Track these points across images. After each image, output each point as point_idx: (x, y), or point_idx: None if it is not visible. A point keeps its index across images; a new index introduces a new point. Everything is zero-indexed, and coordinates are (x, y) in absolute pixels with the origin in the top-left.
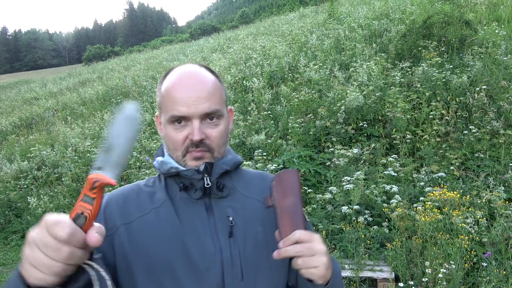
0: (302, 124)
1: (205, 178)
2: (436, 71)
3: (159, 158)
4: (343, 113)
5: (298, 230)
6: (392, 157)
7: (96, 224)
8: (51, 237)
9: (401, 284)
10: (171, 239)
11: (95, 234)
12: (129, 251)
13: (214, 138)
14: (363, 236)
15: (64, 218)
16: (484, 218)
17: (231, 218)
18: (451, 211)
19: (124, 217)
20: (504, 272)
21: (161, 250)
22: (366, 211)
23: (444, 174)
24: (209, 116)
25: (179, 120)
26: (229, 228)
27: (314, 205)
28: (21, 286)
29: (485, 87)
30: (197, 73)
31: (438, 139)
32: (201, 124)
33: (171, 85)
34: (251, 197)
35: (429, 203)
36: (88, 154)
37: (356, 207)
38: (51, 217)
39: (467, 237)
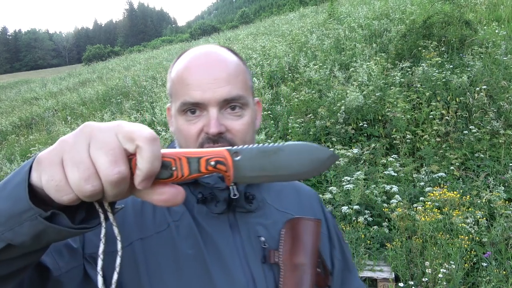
0: (302, 124)
1: (231, 188)
2: (436, 71)
3: None
4: (343, 113)
5: None
6: (392, 157)
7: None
8: (120, 144)
9: (401, 284)
10: (193, 265)
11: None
12: (143, 272)
13: (237, 132)
14: (363, 236)
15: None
16: (484, 218)
17: (263, 239)
18: (451, 211)
19: (141, 229)
20: (504, 272)
21: (181, 279)
22: (366, 211)
23: (444, 174)
24: (230, 105)
25: (192, 109)
26: (262, 251)
27: None
28: (23, 186)
29: (485, 87)
30: (215, 53)
31: (438, 139)
32: (220, 114)
33: (183, 66)
34: (284, 211)
35: (429, 203)
36: None
37: (356, 207)
38: (134, 126)
39: (467, 237)
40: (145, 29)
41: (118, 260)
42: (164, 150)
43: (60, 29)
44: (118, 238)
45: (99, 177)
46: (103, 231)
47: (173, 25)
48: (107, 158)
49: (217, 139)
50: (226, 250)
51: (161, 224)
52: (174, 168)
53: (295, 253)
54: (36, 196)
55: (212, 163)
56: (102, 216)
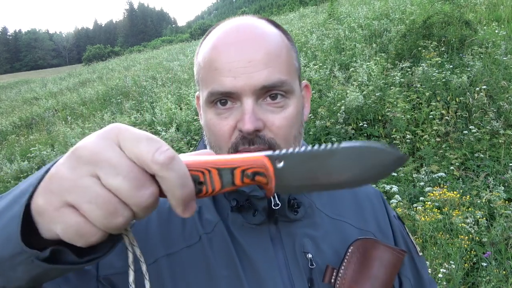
0: None
1: (272, 197)
2: (436, 71)
3: None
4: (343, 113)
5: None
6: None
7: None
8: (149, 156)
9: None
10: (228, 285)
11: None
12: None
13: (278, 128)
14: None
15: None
16: (484, 218)
17: (310, 256)
18: (451, 211)
19: (167, 243)
20: (504, 272)
21: None
22: None
23: (444, 174)
24: (269, 93)
25: (223, 99)
26: (309, 272)
27: None
28: (15, 223)
29: (485, 87)
30: (251, 26)
31: (438, 139)
32: (257, 106)
33: (211, 46)
34: (339, 218)
35: (429, 203)
36: None
37: None
38: (138, 142)
39: (467, 237)
40: (145, 29)
41: (147, 285)
42: (188, 157)
43: (60, 29)
44: (142, 259)
45: (127, 204)
46: (130, 256)
47: (173, 25)
48: (130, 183)
49: (254, 138)
50: (267, 270)
51: (192, 237)
52: (203, 182)
53: (359, 283)
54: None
55: (249, 174)
56: (127, 240)
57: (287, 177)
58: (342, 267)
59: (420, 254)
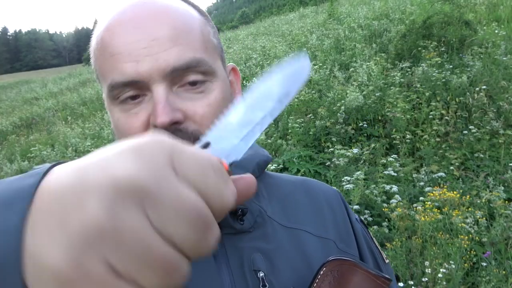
0: (302, 124)
1: None
2: (436, 71)
3: None
4: (343, 113)
5: None
6: (392, 157)
7: None
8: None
9: (401, 284)
10: None
11: None
12: None
13: (203, 117)
14: None
15: None
16: (484, 218)
17: (261, 274)
18: (451, 211)
19: None
20: (504, 272)
21: None
22: (366, 211)
23: (444, 174)
24: (185, 77)
25: (129, 91)
26: None
27: None
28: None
29: (485, 87)
30: (152, 1)
31: (438, 139)
32: (172, 94)
33: (105, 28)
34: (296, 227)
35: (429, 203)
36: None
37: (356, 207)
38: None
39: (466, 237)
40: None
41: None
42: None
43: (60, 29)
44: None
45: (188, 256)
46: None
47: None
48: (197, 232)
49: (174, 132)
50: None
51: None
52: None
53: None
54: None
55: None
56: None
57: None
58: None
59: (387, 261)
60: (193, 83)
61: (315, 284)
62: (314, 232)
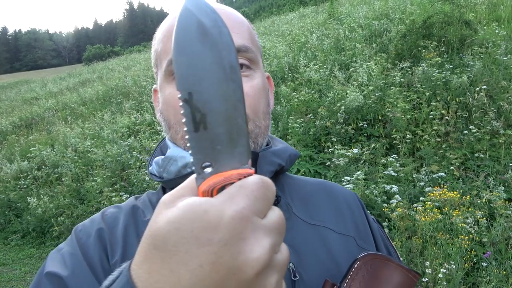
0: (302, 124)
1: None
2: (436, 71)
3: (159, 158)
4: (343, 113)
5: None
6: (392, 157)
7: None
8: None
9: None
10: None
11: None
12: None
13: (247, 95)
14: None
15: None
16: (484, 218)
17: (291, 265)
18: (451, 211)
19: None
20: (504, 272)
21: None
22: None
23: (444, 174)
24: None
25: None
26: (291, 285)
27: None
28: None
29: (485, 87)
30: (218, 4)
31: (438, 139)
32: None
33: (173, 18)
34: (319, 224)
35: (429, 203)
36: (88, 154)
37: None
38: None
39: (467, 237)
40: (145, 29)
41: None
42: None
43: (60, 29)
44: None
45: None
46: None
47: None
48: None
49: None
50: None
51: None
52: None
53: None
54: None
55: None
56: None
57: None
58: (345, 285)
59: (401, 259)
60: (240, 66)
61: (349, 276)
62: (335, 229)
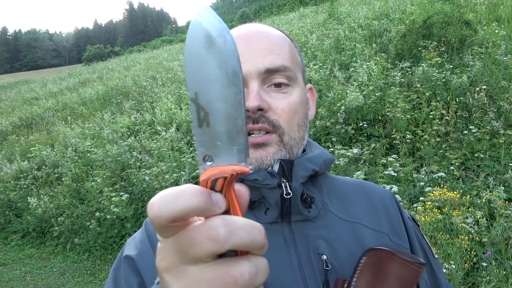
0: None
1: (283, 184)
2: (436, 71)
3: None
4: (343, 113)
5: None
6: (392, 157)
7: None
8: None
9: None
10: None
11: None
12: None
13: (283, 111)
14: None
15: None
16: (484, 218)
17: (325, 257)
18: (451, 211)
19: None
20: (504, 272)
21: None
22: None
23: (444, 174)
24: (274, 79)
25: None
26: (324, 274)
27: None
28: None
29: (485, 87)
30: (258, 25)
31: (438, 139)
32: (262, 90)
33: None
34: (354, 221)
35: (429, 203)
36: (88, 154)
37: None
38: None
39: (467, 237)
40: (145, 29)
41: None
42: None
43: (60, 29)
44: None
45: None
46: None
47: (173, 25)
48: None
49: (258, 118)
50: (281, 272)
51: None
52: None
53: None
54: None
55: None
56: None
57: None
58: (354, 279)
59: (436, 256)
60: (279, 85)
61: (358, 270)
62: (370, 226)
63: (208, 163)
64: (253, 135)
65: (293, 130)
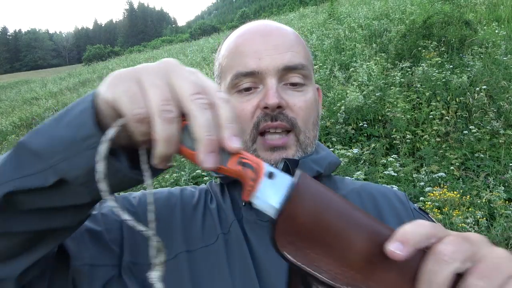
0: None
1: None
2: (436, 71)
3: None
4: (343, 113)
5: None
6: (392, 157)
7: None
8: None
9: None
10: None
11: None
12: (187, 285)
13: (300, 109)
14: None
15: None
16: (484, 218)
17: None
18: (451, 211)
19: (187, 241)
20: None
21: None
22: None
23: (444, 174)
24: (290, 78)
25: (246, 84)
26: None
27: None
28: (89, 113)
29: (485, 87)
30: (274, 22)
31: (438, 139)
32: (279, 86)
33: (239, 35)
34: None
35: (429, 203)
36: None
37: None
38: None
39: None
40: (145, 29)
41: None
42: None
43: (60, 29)
44: (151, 189)
45: (179, 106)
46: (149, 181)
47: (173, 25)
48: (190, 87)
49: (277, 115)
50: (278, 271)
51: (210, 236)
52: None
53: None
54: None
55: (243, 162)
56: (146, 167)
57: (268, 194)
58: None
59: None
60: (295, 84)
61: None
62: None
63: None
64: (269, 134)
65: (308, 128)
